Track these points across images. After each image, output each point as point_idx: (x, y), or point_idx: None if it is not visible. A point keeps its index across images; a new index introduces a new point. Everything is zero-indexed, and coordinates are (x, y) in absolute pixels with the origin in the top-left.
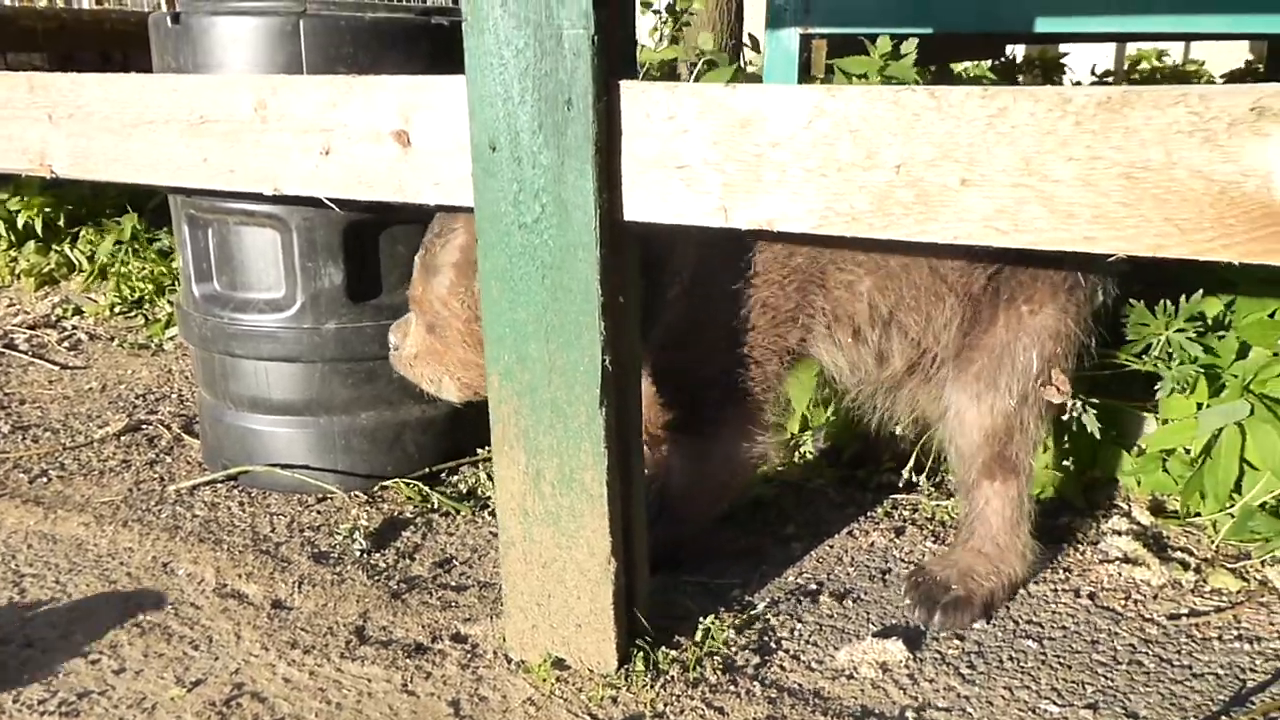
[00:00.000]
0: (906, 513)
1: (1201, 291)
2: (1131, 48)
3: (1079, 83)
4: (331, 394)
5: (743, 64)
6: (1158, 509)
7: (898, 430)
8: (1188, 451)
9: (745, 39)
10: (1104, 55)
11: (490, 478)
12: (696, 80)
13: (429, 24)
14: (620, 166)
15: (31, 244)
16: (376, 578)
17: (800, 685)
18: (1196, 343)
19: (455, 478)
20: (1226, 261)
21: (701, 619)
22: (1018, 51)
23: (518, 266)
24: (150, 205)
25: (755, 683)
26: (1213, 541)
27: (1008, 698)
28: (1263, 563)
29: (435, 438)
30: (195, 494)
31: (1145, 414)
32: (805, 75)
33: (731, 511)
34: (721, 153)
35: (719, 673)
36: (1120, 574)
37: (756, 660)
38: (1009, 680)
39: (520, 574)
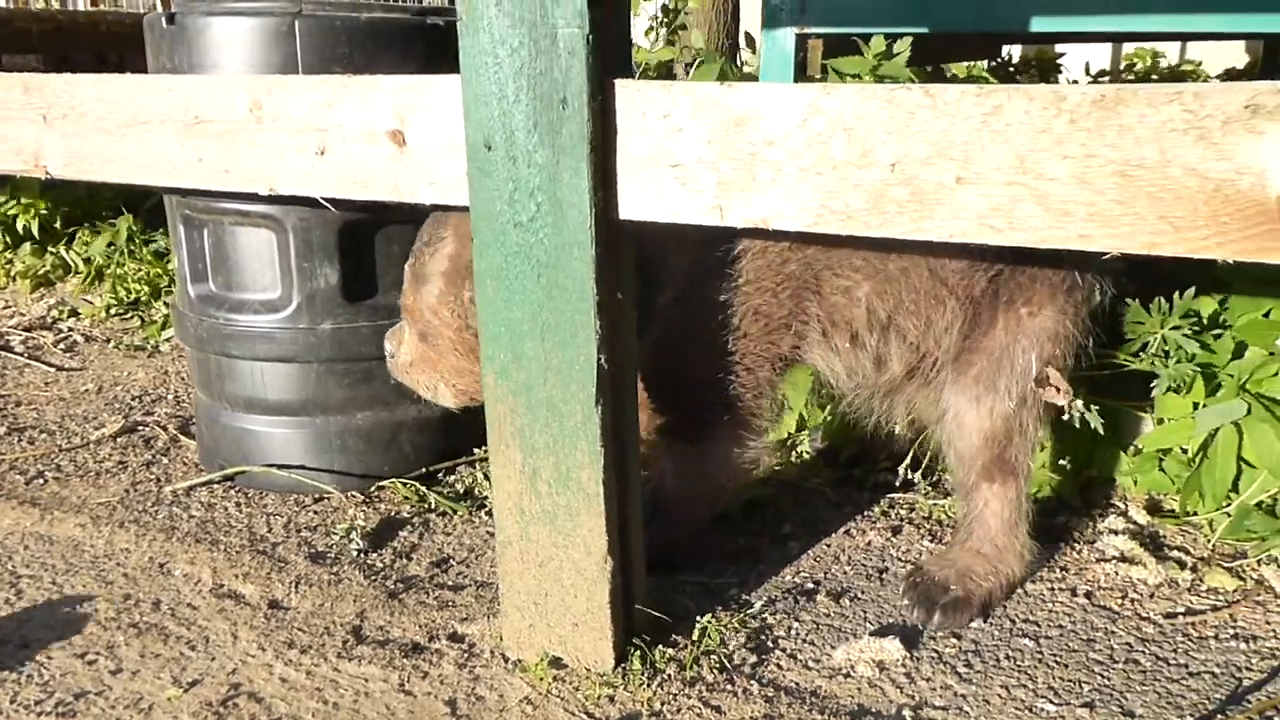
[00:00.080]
0: (903, 512)
1: (1194, 289)
2: (1128, 48)
3: (1075, 82)
4: (327, 394)
5: (738, 63)
6: (1154, 508)
7: (895, 430)
8: (1184, 451)
9: (741, 39)
10: (1100, 56)
11: (487, 477)
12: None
13: (424, 24)
14: (615, 165)
15: (27, 246)
16: (373, 578)
17: (797, 684)
18: (1192, 339)
19: (452, 477)
20: (1221, 259)
21: (698, 618)
22: (1014, 52)
23: (513, 265)
24: (146, 206)
25: (752, 681)
26: (1209, 540)
27: (1004, 696)
28: (1259, 562)
29: (431, 438)
30: (192, 494)
31: (1142, 414)
32: (801, 75)
33: (728, 511)
34: (716, 151)
35: (716, 672)
36: (1117, 573)
37: (753, 659)
38: (1006, 679)
39: (517, 573)
